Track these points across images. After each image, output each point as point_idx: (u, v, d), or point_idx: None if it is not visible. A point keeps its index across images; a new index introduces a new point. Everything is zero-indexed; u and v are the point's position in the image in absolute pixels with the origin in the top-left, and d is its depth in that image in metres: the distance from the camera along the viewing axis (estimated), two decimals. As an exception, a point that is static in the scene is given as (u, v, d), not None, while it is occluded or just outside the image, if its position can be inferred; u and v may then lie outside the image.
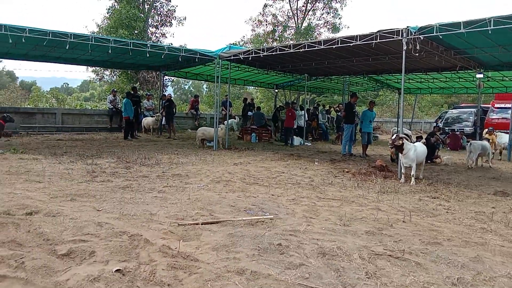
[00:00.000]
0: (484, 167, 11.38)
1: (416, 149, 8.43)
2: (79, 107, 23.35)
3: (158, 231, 4.27)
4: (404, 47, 8.59)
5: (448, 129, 19.48)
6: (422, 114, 37.76)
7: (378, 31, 9.14)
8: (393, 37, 8.88)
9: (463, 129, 18.52)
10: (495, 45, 9.90)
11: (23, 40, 10.33)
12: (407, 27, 8.62)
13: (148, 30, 25.71)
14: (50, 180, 6.74)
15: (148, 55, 12.21)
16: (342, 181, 8.15)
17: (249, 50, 12.60)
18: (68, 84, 79.70)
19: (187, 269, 3.35)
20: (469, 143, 11.51)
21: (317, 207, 5.84)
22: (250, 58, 12.46)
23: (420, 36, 8.48)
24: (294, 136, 16.20)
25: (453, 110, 23.01)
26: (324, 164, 10.69)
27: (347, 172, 9.28)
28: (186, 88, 65.75)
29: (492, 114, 19.53)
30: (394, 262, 3.73)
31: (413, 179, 8.18)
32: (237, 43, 30.31)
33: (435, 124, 22.11)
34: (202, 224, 4.59)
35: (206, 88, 51.81)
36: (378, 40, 9.21)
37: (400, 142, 8.25)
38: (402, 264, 3.70)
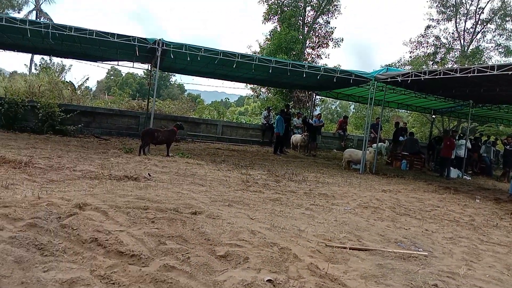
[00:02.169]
0: None
1: None
2: (235, 121, 25.39)
3: (306, 248, 4.33)
4: None
5: None
6: None
7: None
8: None
9: None
10: None
11: (198, 59, 11.77)
12: None
13: (305, 51, 26.66)
14: (211, 184, 7.46)
15: (304, 76, 12.65)
16: (511, 225, 7.09)
17: (408, 73, 12.01)
18: (228, 99, 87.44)
19: (335, 292, 3.32)
20: None
21: (479, 250, 5.19)
22: (409, 81, 11.87)
23: None
24: (452, 168, 14.75)
25: None
26: (487, 202, 9.46)
27: (518, 215, 8.04)
28: (333, 108, 65.80)
29: None
30: None
31: None
32: (394, 65, 29.18)
33: None
34: (350, 248, 4.50)
35: (353, 109, 50.99)
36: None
37: None
38: None
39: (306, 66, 12.76)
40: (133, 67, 16.80)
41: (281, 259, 3.90)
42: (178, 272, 3.33)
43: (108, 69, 61.21)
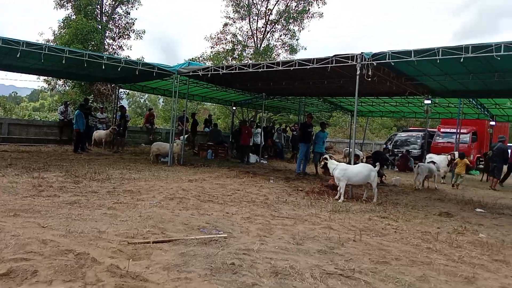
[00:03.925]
0: (430, 189, 11.94)
1: (341, 168, 8.59)
2: (27, 118, 22.23)
3: (107, 249, 4.11)
4: (358, 72, 8.95)
5: (397, 151, 20.31)
6: (372, 136, 39.18)
7: (334, 56, 9.46)
8: (348, 62, 9.23)
9: (410, 151, 19.34)
10: (442, 73, 10.53)
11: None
12: (362, 53, 9.00)
13: (105, 41, 25.14)
14: (-10, 194, 6.33)
15: (103, 67, 11.90)
16: (296, 200, 8.25)
17: (208, 68, 12.61)
18: (16, 93, 75.88)
19: (136, 289, 3.24)
20: (416, 165, 12.07)
21: (271, 225, 5.86)
22: (209, 75, 12.47)
23: (373, 62, 8.88)
24: (250, 154, 16.28)
25: (402, 133, 24.09)
26: (279, 182, 10.79)
27: (301, 190, 9.42)
28: (142, 101, 64.49)
29: (438, 138, 20.66)
30: (345, 281, 3.80)
31: (342, 197, 8.47)
32: (197, 59, 30.28)
33: (384, 146, 23.10)
34: (153, 242, 4.46)
35: (162, 102, 51.02)
36: (333, 64, 9.52)
37: (323, 162, 8.67)
38: (352, 283, 3.77)
39: (105, 57, 12.01)
40: None
41: (77, 265, 3.59)
42: None
43: None
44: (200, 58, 33.07)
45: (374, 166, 8.79)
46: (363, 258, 4.55)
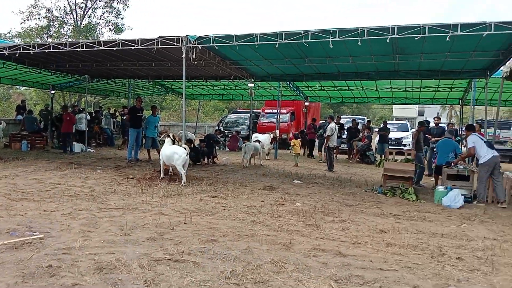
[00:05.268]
0: (257, 165, 12.91)
1: (162, 149, 9.28)
2: None
3: None
4: (184, 55, 8.95)
5: (228, 132, 21.32)
6: (206, 118, 40.28)
7: (159, 37, 9.24)
8: (174, 44, 9.14)
9: (239, 131, 20.53)
10: (262, 58, 11.34)
11: None
12: (187, 35, 9.01)
13: None
14: None
15: None
16: (126, 188, 7.89)
17: (16, 46, 10.89)
18: None
19: None
20: (244, 144, 12.88)
21: (97, 219, 5.48)
22: (17, 55, 10.78)
23: (198, 45, 8.99)
24: (75, 143, 14.87)
25: (231, 115, 25.37)
26: (108, 171, 10.14)
27: (132, 178, 9.07)
28: None
29: (263, 118, 22.41)
30: (174, 265, 3.80)
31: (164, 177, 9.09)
32: (4, 36, 25.94)
33: (217, 127, 24.00)
34: None
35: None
36: (159, 46, 9.31)
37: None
38: (181, 266, 3.80)
39: None
40: None
41: None
42: None
43: None
44: (8, 35, 28.59)
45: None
46: (193, 239, 4.63)
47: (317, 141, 17.04)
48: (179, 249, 4.23)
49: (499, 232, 5.71)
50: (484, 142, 8.17)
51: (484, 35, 7.00)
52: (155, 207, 6.27)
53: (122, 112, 20.61)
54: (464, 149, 9.80)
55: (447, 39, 7.18)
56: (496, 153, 8.03)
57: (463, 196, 7.68)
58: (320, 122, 22.64)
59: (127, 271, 3.61)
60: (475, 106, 13.07)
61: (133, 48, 9.60)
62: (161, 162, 9.18)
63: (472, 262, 4.29)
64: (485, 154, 7.99)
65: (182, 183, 8.48)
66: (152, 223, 5.31)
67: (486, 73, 11.01)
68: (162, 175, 9.22)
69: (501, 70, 10.06)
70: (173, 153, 8.77)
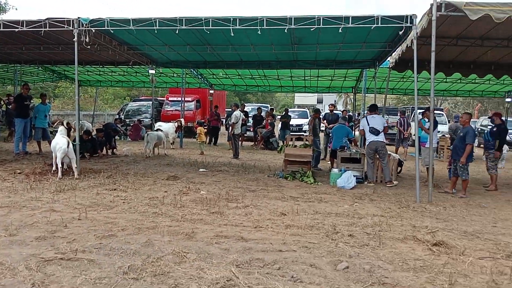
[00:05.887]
0: (161, 155, 12.58)
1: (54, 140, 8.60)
2: None
3: None
4: (75, 38, 8.30)
5: (129, 121, 20.41)
6: (106, 106, 38.01)
7: (47, 19, 8.43)
8: (64, 27, 8.42)
9: (142, 120, 19.76)
10: (162, 43, 10.95)
11: None
12: (78, 18, 8.35)
13: None
14: None
15: None
16: (13, 185, 7.15)
17: None
18: None
19: None
20: (146, 134, 12.44)
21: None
22: None
23: (91, 28, 8.38)
24: None
25: (133, 102, 24.32)
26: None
27: (20, 173, 8.24)
28: None
29: (167, 106, 21.86)
30: (66, 265, 3.55)
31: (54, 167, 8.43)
32: None
33: (117, 116, 22.83)
34: None
35: None
36: (48, 29, 8.50)
37: None
38: (74, 265, 3.57)
39: None
40: None
41: None
42: None
43: None
44: None
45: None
46: (88, 236, 4.37)
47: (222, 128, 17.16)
48: (72, 247, 3.96)
49: (386, 209, 6.32)
50: (369, 127, 8.82)
51: (372, 28, 7.57)
52: (46, 204, 5.78)
53: (7, 101, 18.52)
54: (357, 133, 10.63)
55: (340, 31, 7.64)
56: (376, 138, 8.64)
57: (355, 177, 8.36)
58: (226, 110, 22.78)
59: (11, 274, 3.29)
60: (366, 94, 14.24)
61: (17, 30, 8.64)
62: (53, 154, 8.47)
63: (362, 238, 4.68)
64: (368, 138, 8.77)
65: (76, 176, 7.93)
66: (42, 221, 4.89)
67: (375, 64, 11.94)
68: (54, 168, 8.50)
69: (388, 60, 11.00)
70: (56, 143, 8.29)
